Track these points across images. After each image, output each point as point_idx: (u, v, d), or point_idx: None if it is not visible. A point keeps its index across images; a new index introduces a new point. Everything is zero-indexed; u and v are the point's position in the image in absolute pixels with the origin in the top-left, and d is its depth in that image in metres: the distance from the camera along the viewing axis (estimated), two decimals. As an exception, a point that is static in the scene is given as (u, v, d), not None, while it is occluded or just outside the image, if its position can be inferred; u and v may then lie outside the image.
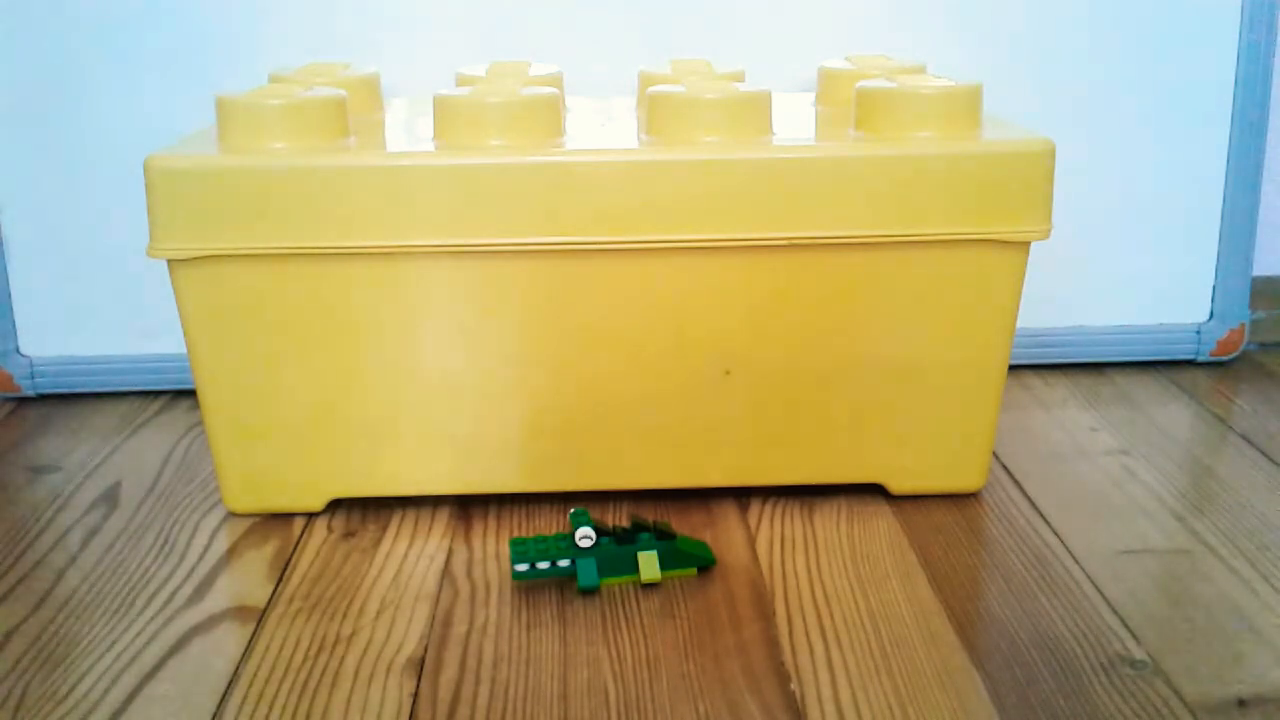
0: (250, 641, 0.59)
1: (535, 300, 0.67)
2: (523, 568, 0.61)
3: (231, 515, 0.72)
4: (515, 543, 0.62)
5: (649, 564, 0.62)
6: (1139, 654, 0.57)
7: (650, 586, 0.62)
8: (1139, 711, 0.52)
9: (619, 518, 0.70)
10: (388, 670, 0.56)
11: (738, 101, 0.67)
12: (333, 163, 0.64)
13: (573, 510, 0.63)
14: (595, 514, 0.71)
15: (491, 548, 0.67)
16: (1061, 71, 0.90)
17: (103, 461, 0.80)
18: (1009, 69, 0.89)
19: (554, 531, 0.68)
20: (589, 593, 0.62)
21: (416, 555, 0.66)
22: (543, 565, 0.61)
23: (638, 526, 0.63)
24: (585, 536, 0.61)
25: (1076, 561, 0.65)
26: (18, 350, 0.90)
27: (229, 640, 0.59)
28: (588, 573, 0.61)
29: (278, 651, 0.58)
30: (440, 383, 0.68)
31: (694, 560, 0.63)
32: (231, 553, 0.67)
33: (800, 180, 0.65)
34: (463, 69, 0.80)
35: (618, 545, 0.62)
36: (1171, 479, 0.75)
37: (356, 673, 0.56)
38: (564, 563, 0.61)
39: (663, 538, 0.63)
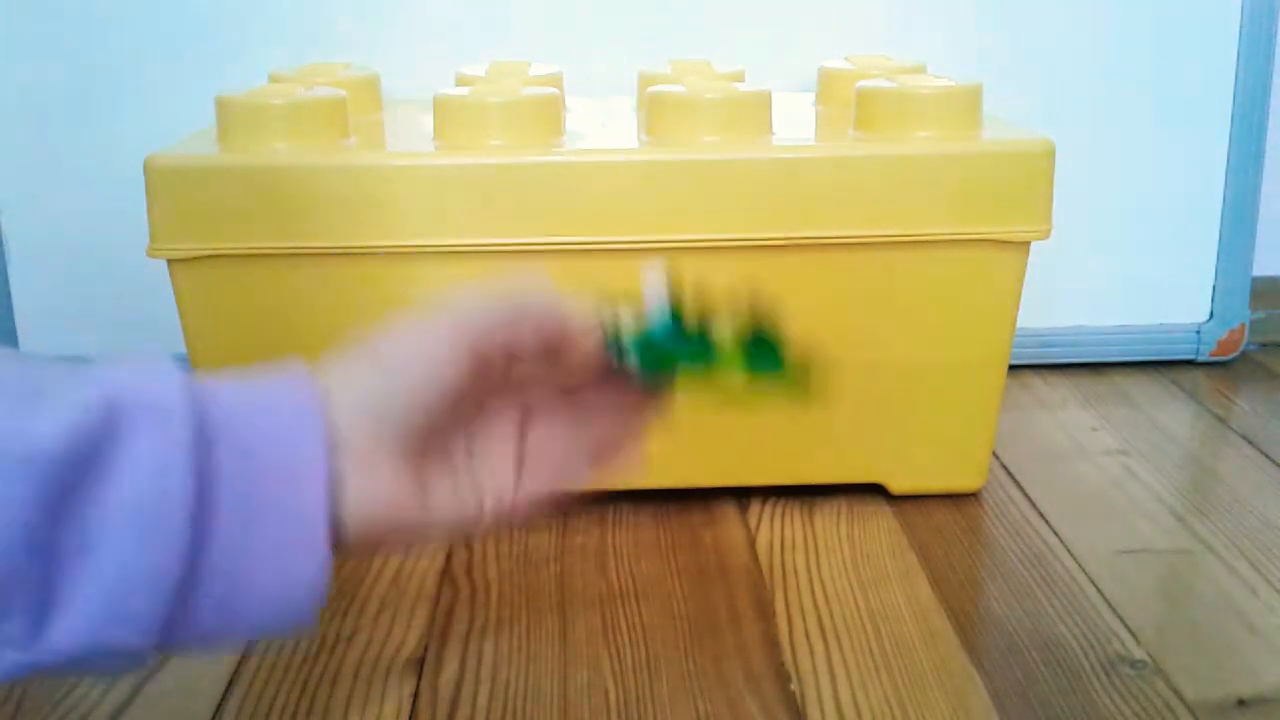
0: (250, 641, 0.58)
1: (535, 300, 0.66)
2: None
3: (231, 515, 0.71)
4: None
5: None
6: (1139, 654, 0.56)
7: (648, 587, 0.62)
8: (1139, 711, 0.52)
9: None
10: (388, 670, 0.56)
11: (738, 101, 0.67)
12: (333, 163, 0.64)
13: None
14: (595, 510, 0.70)
15: (491, 548, 0.67)
16: (1061, 71, 0.90)
17: (103, 461, 0.80)
18: (1009, 69, 0.89)
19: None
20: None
21: (416, 555, 0.66)
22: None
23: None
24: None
25: (1076, 561, 0.65)
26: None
27: (229, 640, 0.59)
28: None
29: (278, 652, 0.58)
30: (440, 383, 0.68)
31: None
32: (231, 553, 0.67)
33: (800, 180, 0.65)
34: (463, 69, 0.80)
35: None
36: (1171, 479, 0.75)
37: (356, 673, 0.56)
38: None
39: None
